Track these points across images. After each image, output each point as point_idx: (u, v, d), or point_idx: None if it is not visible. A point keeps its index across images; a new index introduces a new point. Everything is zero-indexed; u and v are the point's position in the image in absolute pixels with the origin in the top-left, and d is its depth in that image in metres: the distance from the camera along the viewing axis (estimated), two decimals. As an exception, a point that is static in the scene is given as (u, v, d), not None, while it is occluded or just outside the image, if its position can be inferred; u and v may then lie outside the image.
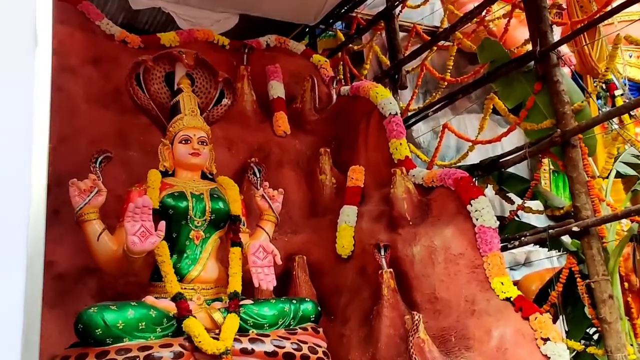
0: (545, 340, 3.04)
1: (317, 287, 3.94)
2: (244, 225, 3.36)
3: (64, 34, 4.01)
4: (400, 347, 3.26)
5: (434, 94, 5.44)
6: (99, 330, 2.47)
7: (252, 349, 2.74)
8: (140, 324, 2.59)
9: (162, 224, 2.79)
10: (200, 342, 2.61)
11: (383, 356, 3.28)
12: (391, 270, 3.49)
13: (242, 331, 2.83)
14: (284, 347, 2.81)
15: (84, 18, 4.26)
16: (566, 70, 5.10)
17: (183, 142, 3.27)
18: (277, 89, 4.66)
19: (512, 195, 5.12)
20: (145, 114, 3.54)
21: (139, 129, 3.98)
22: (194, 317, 2.73)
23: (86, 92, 3.96)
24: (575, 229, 3.95)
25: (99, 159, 3.14)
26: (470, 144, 5.14)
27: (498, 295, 3.27)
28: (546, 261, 5.89)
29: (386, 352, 3.28)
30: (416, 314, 3.08)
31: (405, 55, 5.46)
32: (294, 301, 3.11)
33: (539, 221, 5.66)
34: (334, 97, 4.37)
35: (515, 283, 4.57)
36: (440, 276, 3.43)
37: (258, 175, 3.65)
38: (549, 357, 3.00)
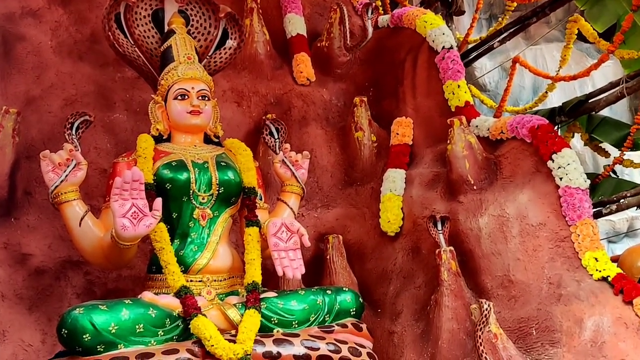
0: (655, 330, 2.99)
1: (358, 274, 3.96)
2: (261, 199, 3.37)
3: (23, -31, 4.04)
4: (467, 345, 3.25)
5: (500, 20, 5.28)
6: (87, 335, 2.51)
7: (279, 352, 2.75)
8: (137, 327, 2.62)
9: (158, 202, 2.80)
10: (212, 345, 2.63)
11: (445, 356, 3.28)
12: (452, 248, 3.46)
13: (264, 331, 2.85)
14: (317, 349, 2.82)
15: (48, -52, 4.26)
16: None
17: (179, 97, 3.27)
18: (296, 24, 4.61)
19: (606, 146, 5.00)
20: (129, 64, 3.55)
21: (124, 84, 4.03)
22: (204, 315, 2.76)
23: (56, 41, 4.00)
24: (692, 185, 3.85)
25: (76, 124, 3.18)
26: (550, 81, 5.01)
27: (591, 275, 3.22)
28: (655, 229, 5.78)
29: (449, 351, 3.28)
30: (485, 302, 3.05)
31: (461, -29, 5.32)
32: (329, 291, 3.11)
33: (644, 178, 5.54)
34: (370, 30, 4.28)
35: (615, 259, 4.49)
36: (515, 254, 3.39)
37: (276, 136, 3.64)
38: (660, 351, 2.96)
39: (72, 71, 3.97)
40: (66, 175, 2.94)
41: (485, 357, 2.98)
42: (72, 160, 2.97)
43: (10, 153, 3.41)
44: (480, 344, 3.01)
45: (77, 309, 2.58)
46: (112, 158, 3.43)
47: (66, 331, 2.54)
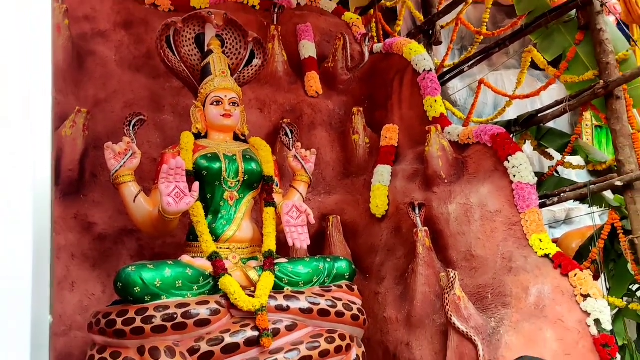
0: (585, 296, 2.97)
1: (352, 247, 3.94)
2: (277, 185, 3.35)
3: (95, 0, 4.01)
4: (436, 305, 3.24)
5: (470, 49, 5.23)
6: (137, 288, 2.52)
7: (287, 305, 2.75)
8: (177, 282, 2.62)
9: (196, 185, 2.79)
10: (236, 299, 2.63)
11: (418, 313, 3.27)
12: (426, 228, 3.44)
13: (277, 289, 2.85)
14: (318, 304, 2.82)
15: (114, -18, 4.23)
16: (611, 19, 4.83)
17: (214, 103, 3.25)
18: (308, 49, 4.57)
19: (551, 151, 4.96)
20: (176, 76, 3.52)
21: (172, 92, 3.99)
22: (230, 275, 2.75)
23: (119, 56, 3.97)
24: (618, 183, 3.81)
25: (133, 122, 3.15)
26: (508, 99, 4.96)
27: (536, 252, 3.20)
28: (587, 218, 5.73)
29: (422, 309, 3.27)
30: (451, 271, 3.03)
31: (440, 9, 5.25)
32: (328, 259, 3.10)
33: (579, 177, 5.49)
34: (367, 55, 4.25)
35: (555, 241, 4.47)
36: (476, 234, 3.37)
37: (290, 136, 3.62)
38: (589, 314, 2.93)
39: (131, 80, 3.94)
40: (124, 162, 2.94)
41: (451, 315, 2.97)
42: (129, 150, 2.97)
43: (80, 144, 3.39)
44: (447, 304, 2.99)
45: (130, 267, 2.58)
46: (161, 150, 3.41)
47: (121, 284, 2.54)
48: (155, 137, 3.84)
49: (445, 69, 5.35)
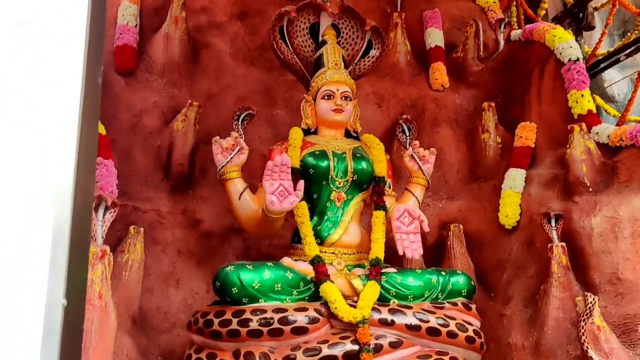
0: None
1: (475, 261, 3.81)
2: (389, 187, 3.32)
3: (213, -10, 4.27)
4: (571, 333, 3.02)
5: (629, 35, 4.81)
6: (235, 289, 2.63)
7: (392, 320, 2.72)
8: (276, 285, 2.70)
9: (301, 184, 2.86)
10: (336, 308, 2.65)
11: (549, 342, 3.07)
12: (563, 244, 3.23)
13: (383, 301, 2.83)
14: (428, 322, 2.76)
15: (232, -28, 4.47)
16: None
17: (325, 97, 3.30)
18: (435, 37, 4.48)
19: None
20: (289, 69, 3.62)
21: (285, 86, 4.13)
22: (332, 281, 2.79)
23: (233, 48, 4.19)
24: None
25: (242, 117, 3.27)
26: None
27: (703, 280, 2.87)
28: None
29: (553, 337, 3.07)
30: (590, 295, 2.82)
31: (593, -12, 4.89)
32: (443, 273, 3.02)
33: None
34: (502, 43, 4.08)
35: None
36: (625, 253, 3.10)
37: (407, 134, 3.57)
38: None
39: (245, 74, 4.13)
40: (231, 157, 3.03)
41: (587, 347, 2.76)
42: (237, 145, 3.06)
43: (191, 138, 3.62)
44: (583, 334, 2.79)
45: (229, 267, 2.70)
46: (271, 146, 3.54)
47: (219, 284, 2.67)
48: (267, 132, 4.00)
49: (599, 57, 4.95)
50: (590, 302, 2.80)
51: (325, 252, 3.02)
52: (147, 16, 4.00)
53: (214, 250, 3.63)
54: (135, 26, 3.88)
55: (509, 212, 3.70)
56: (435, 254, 3.83)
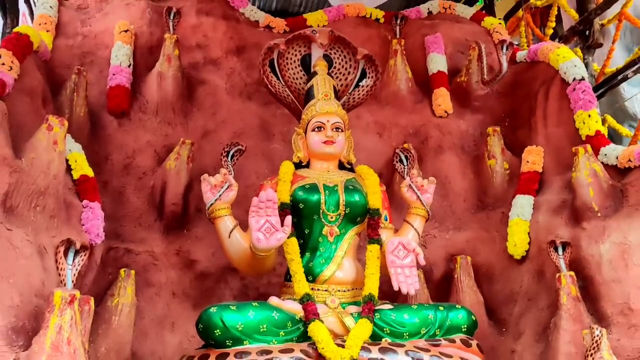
0: None
1: (486, 294, 3.75)
2: (386, 219, 3.29)
3: (208, 26, 4.40)
4: (583, 369, 2.93)
5: (637, 50, 4.73)
6: (218, 331, 2.62)
7: (382, 359, 2.67)
8: (261, 326, 2.68)
9: (288, 219, 2.86)
10: (323, 348, 2.61)
11: (560, 379, 2.98)
12: (572, 273, 3.16)
13: (376, 339, 2.79)
14: (421, 360, 2.70)
15: (228, 7, 4.61)
16: None
17: (316, 129, 3.31)
18: (437, 62, 4.51)
19: None
20: (280, 102, 3.66)
21: (282, 119, 4.17)
22: (321, 320, 2.76)
23: (229, 84, 4.29)
24: None
25: (231, 152, 3.30)
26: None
27: None
28: None
29: (564, 374, 2.98)
30: (597, 328, 2.73)
31: (598, 4, 4.83)
32: (441, 308, 2.96)
33: None
34: (505, 65, 4.05)
35: None
36: (636, 281, 3.01)
37: (405, 163, 3.55)
38: None
39: (241, 109, 4.21)
40: (220, 195, 3.04)
41: (597, 384, 2.66)
42: (226, 182, 3.08)
43: (184, 176, 3.67)
44: (592, 370, 2.69)
45: (212, 308, 2.69)
46: (263, 181, 3.57)
47: (202, 326, 2.67)
48: (264, 167, 4.03)
49: (611, 73, 4.87)
50: (597, 336, 2.71)
51: (317, 289, 3.00)
52: (141, 56, 4.13)
53: (210, 291, 3.65)
54: (129, 66, 4.00)
55: (517, 241, 3.65)
56: (442, 288, 3.79)
